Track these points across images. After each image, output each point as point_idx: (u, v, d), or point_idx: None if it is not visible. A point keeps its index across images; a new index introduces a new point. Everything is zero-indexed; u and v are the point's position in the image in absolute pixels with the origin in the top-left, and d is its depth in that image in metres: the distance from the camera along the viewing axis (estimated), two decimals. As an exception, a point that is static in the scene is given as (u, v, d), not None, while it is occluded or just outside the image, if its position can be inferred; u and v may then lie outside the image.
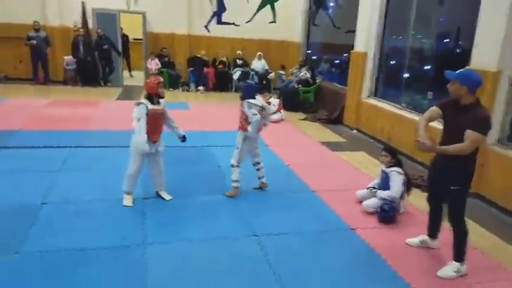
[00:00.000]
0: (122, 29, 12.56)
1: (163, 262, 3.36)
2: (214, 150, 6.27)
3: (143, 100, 4.13)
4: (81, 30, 10.87)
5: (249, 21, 12.47)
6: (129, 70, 13.71)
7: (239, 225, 4.07)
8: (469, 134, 3.07)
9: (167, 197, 4.51)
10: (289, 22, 12.50)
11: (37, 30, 10.52)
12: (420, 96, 7.22)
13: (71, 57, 11.01)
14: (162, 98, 4.24)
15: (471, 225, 4.19)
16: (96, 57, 11.20)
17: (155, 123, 4.16)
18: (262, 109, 4.59)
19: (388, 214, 4.29)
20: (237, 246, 3.69)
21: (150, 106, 4.11)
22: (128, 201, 4.33)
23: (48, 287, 2.95)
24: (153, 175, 4.48)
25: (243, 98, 4.58)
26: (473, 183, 4.82)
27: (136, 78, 13.02)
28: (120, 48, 11.76)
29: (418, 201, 4.85)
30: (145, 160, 4.30)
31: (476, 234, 4.13)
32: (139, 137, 4.03)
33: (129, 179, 4.29)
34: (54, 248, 3.42)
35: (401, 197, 4.42)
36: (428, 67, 7.43)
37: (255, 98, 4.58)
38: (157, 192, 4.54)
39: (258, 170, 4.87)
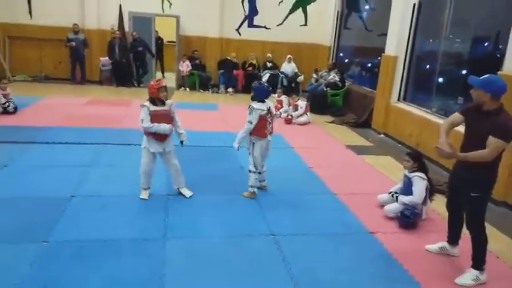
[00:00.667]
0: (157, 32, 12.95)
1: (181, 257, 3.47)
2: (237, 151, 6.33)
3: (145, 103, 4.31)
4: (117, 32, 11.28)
5: (280, 24, 12.56)
6: (162, 72, 14.07)
7: (258, 225, 4.13)
8: (491, 140, 3.00)
9: (188, 193, 4.64)
10: (321, 25, 12.48)
11: (76, 33, 11.01)
12: (452, 102, 7.03)
13: (107, 58, 11.45)
14: (164, 101, 4.33)
15: (496, 234, 4.09)
16: (130, 58, 11.58)
17: (159, 123, 4.27)
18: (268, 113, 4.58)
19: (409, 219, 4.23)
20: (254, 245, 3.75)
21: (152, 108, 4.28)
22: (143, 195, 4.54)
23: (73, 274, 3.11)
24: (170, 173, 4.63)
25: (253, 98, 4.62)
26: (501, 191, 4.72)
27: (168, 80, 13.31)
28: (154, 50, 12.11)
29: (442, 208, 4.72)
30: (154, 159, 4.46)
31: (501, 243, 4.02)
32: (158, 127, 4.24)
33: (142, 176, 4.49)
34: (80, 238, 3.61)
35: (424, 202, 4.35)
36: (462, 71, 7.23)
37: (264, 101, 4.59)
38: (178, 189, 4.67)
39: (259, 173, 4.82)
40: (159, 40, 13.39)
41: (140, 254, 3.45)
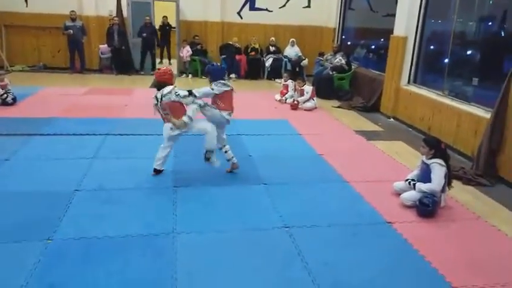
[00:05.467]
0: (166, 17, 12.58)
1: (193, 252, 3.30)
2: (244, 139, 6.16)
3: (179, 91, 4.39)
4: (116, 19, 10.98)
5: (282, 7, 12.26)
6: (169, 59, 13.59)
7: (270, 216, 3.95)
8: None
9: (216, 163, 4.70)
10: (325, 7, 12.15)
11: (73, 20, 10.71)
12: (464, 83, 6.80)
13: (106, 45, 11.17)
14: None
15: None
16: (130, 45, 11.31)
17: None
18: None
19: (428, 208, 4.05)
20: (268, 238, 3.58)
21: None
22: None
23: (80, 275, 2.95)
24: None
25: (212, 81, 4.65)
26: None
27: (165, 66, 13.05)
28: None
29: (460, 195, 4.58)
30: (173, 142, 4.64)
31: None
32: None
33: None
34: (86, 235, 3.44)
35: (443, 190, 4.17)
36: (474, 52, 6.98)
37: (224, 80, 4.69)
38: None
39: (225, 152, 4.82)
40: (166, 27, 12.92)
41: (150, 251, 3.28)
